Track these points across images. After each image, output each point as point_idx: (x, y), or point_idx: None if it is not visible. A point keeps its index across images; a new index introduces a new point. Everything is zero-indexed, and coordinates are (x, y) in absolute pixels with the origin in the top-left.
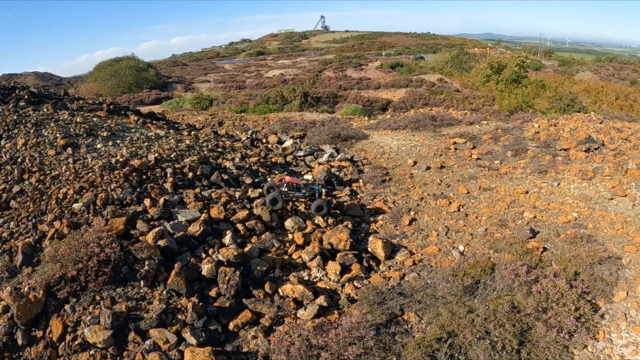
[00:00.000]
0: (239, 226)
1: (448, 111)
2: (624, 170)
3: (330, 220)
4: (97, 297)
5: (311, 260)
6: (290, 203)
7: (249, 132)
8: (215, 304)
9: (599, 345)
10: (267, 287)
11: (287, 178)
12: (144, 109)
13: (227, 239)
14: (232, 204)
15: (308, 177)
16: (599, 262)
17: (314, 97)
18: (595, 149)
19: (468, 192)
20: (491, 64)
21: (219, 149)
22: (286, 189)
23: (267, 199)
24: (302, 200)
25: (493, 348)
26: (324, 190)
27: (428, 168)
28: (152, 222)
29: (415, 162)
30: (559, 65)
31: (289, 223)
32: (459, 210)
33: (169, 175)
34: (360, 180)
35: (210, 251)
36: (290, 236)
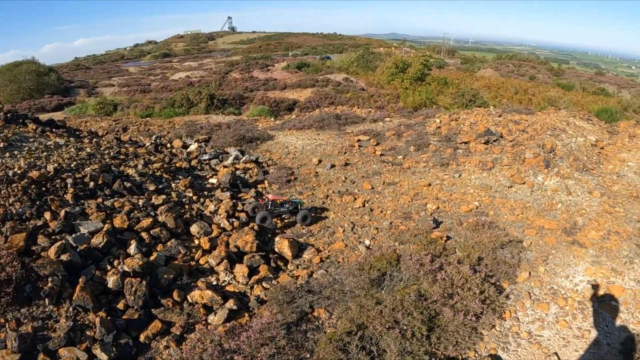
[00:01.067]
0: (144, 235)
1: (352, 109)
2: (522, 160)
3: (236, 223)
4: (2, 320)
5: (218, 264)
6: (195, 208)
7: (153, 137)
8: (124, 317)
9: (507, 324)
10: (175, 295)
11: (271, 197)
12: (45, 116)
13: (132, 248)
14: (135, 212)
15: (213, 180)
16: (501, 246)
17: (220, 99)
18: (494, 140)
19: (372, 188)
20: (396, 62)
21: (122, 156)
22: (271, 207)
23: (256, 218)
24: (286, 213)
25: (403, 336)
26: (304, 202)
27: (333, 166)
28: (53, 237)
29: (320, 161)
30: (462, 63)
31: (194, 228)
32: (364, 206)
33: (69, 185)
34: (266, 182)
35: (116, 262)
36: (196, 242)
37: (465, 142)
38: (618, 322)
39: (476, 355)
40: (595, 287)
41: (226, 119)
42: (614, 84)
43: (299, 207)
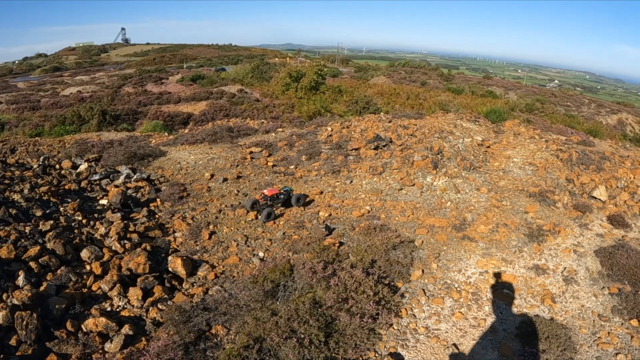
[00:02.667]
0: (32, 264)
1: (246, 121)
2: (410, 163)
3: (128, 245)
4: None
5: (111, 289)
6: (85, 232)
7: (42, 158)
8: (17, 354)
9: (404, 322)
10: (69, 325)
11: (267, 191)
12: None
13: (20, 280)
14: (22, 240)
15: (103, 201)
16: (394, 247)
17: (112, 115)
18: (384, 146)
19: None
20: (290, 73)
21: (7, 181)
22: (270, 201)
23: (262, 215)
24: (281, 202)
25: (301, 344)
26: (294, 189)
27: (225, 180)
28: None
29: (212, 175)
30: (356, 72)
31: (85, 253)
32: (256, 218)
33: None
34: (158, 199)
35: (4, 296)
36: (88, 267)
37: (356, 149)
38: (512, 308)
39: (377, 355)
40: (487, 277)
41: (119, 136)
42: (501, 87)
43: (290, 193)
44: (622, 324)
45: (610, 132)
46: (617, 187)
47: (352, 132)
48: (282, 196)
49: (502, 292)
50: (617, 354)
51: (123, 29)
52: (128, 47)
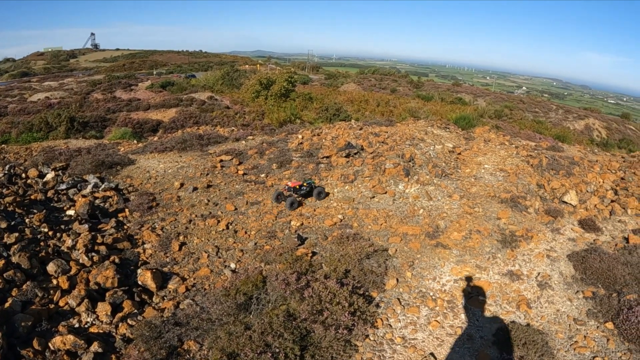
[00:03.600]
0: None
1: (215, 129)
2: (382, 170)
3: (96, 258)
4: None
5: (79, 304)
6: (52, 244)
7: (7, 167)
8: None
9: (380, 332)
10: (35, 343)
11: (291, 183)
12: None
13: None
14: None
15: (70, 212)
16: (367, 256)
17: (81, 122)
18: (355, 153)
19: (236, 209)
20: (260, 79)
21: None
22: (293, 192)
23: (286, 204)
24: (304, 194)
25: (276, 359)
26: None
27: (195, 189)
28: None
29: (182, 184)
30: (326, 79)
31: (51, 267)
32: (227, 228)
33: None
34: (127, 210)
35: None
36: (54, 282)
37: (327, 157)
38: (488, 315)
39: None
40: (462, 284)
41: (87, 144)
42: (470, 93)
43: (313, 186)
44: (597, 327)
45: (577, 138)
46: (587, 191)
47: (323, 140)
48: (304, 188)
49: (478, 299)
50: (594, 357)
51: (92, 34)
52: (97, 52)
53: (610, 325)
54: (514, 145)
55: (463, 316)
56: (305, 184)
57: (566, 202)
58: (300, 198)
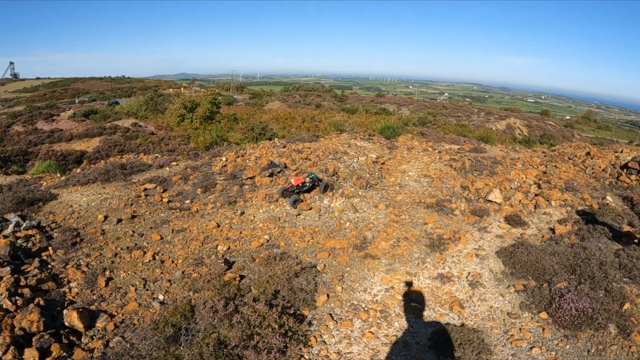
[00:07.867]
0: None
1: (139, 157)
2: None
3: (20, 301)
4: None
5: (5, 352)
6: None
7: None
8: None
9: (314, 350)
10: None
11: (294, 181)
12: None
13: None
14: None
15: None
16: (296, 275)
17: (2, 157)
18: (279, 172)
19: (162, 238)
20: (184, 103)
21: None
22: (297, 189)
23: (289, 202)
24: (309, 188)
25: None
26: (320, 175)
27: (120, 221)
28: None
29: (106, 217)
30: (250, 98)
31: None
32: (154, 259)
33: None
34: (50, 248)
35: None
36: None
37: (251, 177)
38: (422, 320)
39: None
40: (394, 293)
41: (8, 180)
42: (394, 103)
43: (316, 180)
44: (532, 318)
45: (500, 137)
46: (511, 188)
47: (247, 161)
48: (307, 184)
49: (410, 305)
50: (531, 347)
51: (12, 63)
52: (17, 82)
53: (544, 315)
54: (437, 151)
55: (397, 324)
56: (308, 180)
57: (491, 201)
58: (302, 195)
